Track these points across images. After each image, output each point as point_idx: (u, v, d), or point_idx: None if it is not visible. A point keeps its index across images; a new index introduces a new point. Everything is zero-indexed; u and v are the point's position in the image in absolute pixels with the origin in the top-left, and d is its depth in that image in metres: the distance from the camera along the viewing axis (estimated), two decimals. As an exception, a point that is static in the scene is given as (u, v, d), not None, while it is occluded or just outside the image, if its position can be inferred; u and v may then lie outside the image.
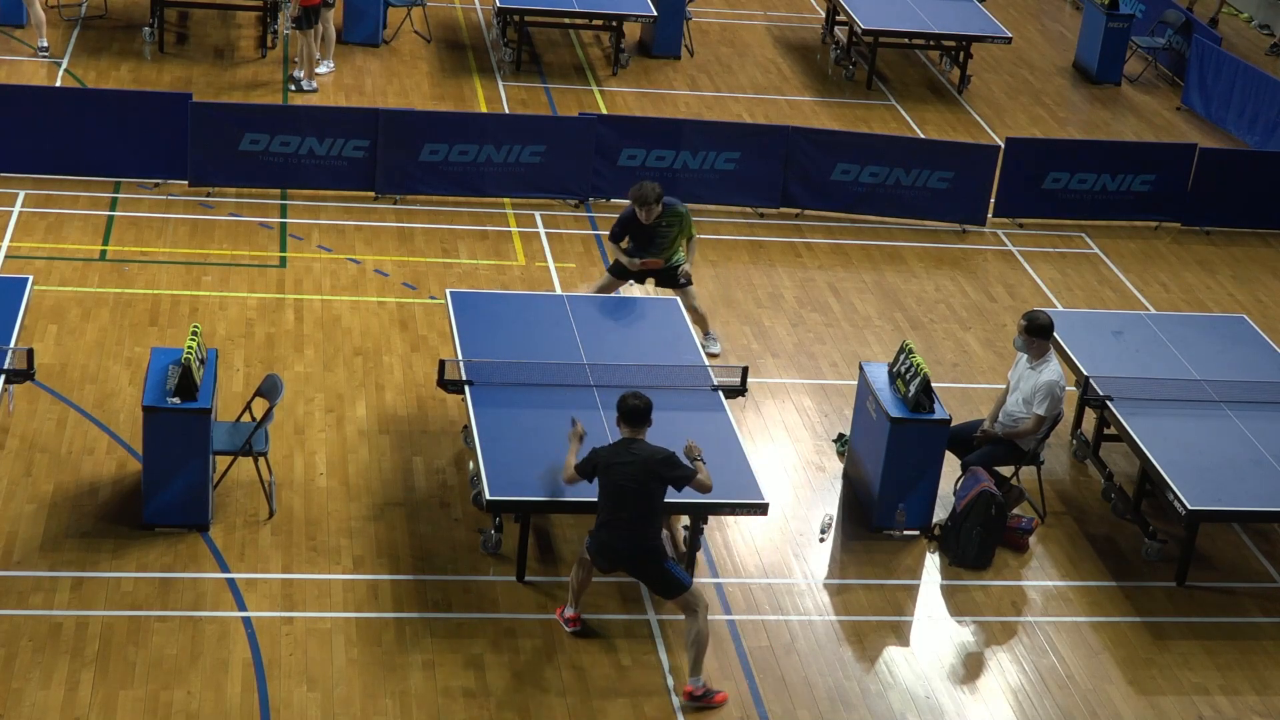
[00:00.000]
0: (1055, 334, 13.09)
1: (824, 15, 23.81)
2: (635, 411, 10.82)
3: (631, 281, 14.79)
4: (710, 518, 12.14)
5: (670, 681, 10.85)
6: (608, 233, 14.86)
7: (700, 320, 14.67)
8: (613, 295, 14.47)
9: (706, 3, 24.16)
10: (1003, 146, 18.19)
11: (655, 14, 21.30)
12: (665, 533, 12.27)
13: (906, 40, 22.40)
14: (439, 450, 13.07)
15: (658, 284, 14.85)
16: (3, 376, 11.95)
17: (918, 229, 17.90)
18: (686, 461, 10.84)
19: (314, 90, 19.63)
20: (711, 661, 11.09)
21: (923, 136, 20.10)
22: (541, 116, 18.84)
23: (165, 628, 10.82)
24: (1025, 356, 12.79)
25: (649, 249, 14.47)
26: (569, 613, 11.22)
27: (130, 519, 11.78)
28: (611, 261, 14.74)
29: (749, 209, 17.88)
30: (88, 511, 11.89)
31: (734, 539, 12.43)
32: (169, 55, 20.37)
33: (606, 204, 17.56)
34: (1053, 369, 12.65)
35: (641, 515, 10.62)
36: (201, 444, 11.51)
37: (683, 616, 10.78)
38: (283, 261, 15.81)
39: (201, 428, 11.47)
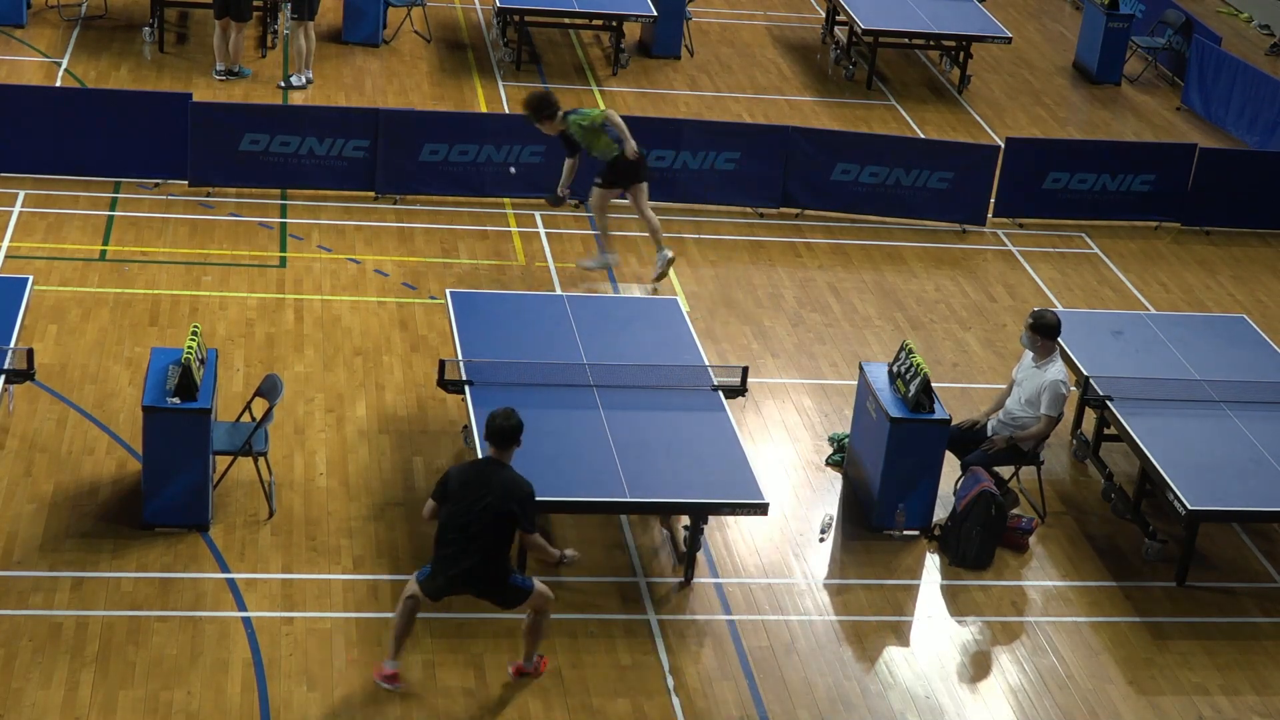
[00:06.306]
0: (1055, 334, 13.13)
1: (824, 15, 23.81)
2: (503, 432, 10.21)
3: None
4: (710, 518, 12.13)
5: (670, 681, 10.86)
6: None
7: (652, 232, 15.85)
8: (604, 296, 14.52)
9: (706, 3, 24.17)
10: (1003, 146, 18.19)
11: (655, 14, 21.30)
12: (665, 532, 12.28)
13: (906, 40, 22.40)
14: (439, 450, 13.06)
15: (625, 186, 15.74)
16: (3, 376, 11.96)
17: (918, 229, 17.90)
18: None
19: (304, 85, 19.64)
20: (711, 661, 11.10)
21: (923, 136, 20.10)
22: (541, 116, 18.83)
23: (165, 628, 10.82)
24: (1030, 355, 12.81)
25: (583, 155, 15.70)
26: (390, 669, 10.40)
27: (130, 519, 11.78)
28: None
29: (749, 209, 17.88)
30: (88, 511, 11.89)
31: (734, 539, 12.43)
32: (169, 55, 20.37)
33: (606, 204, 17.56)
34: (1057, 368, 12.66)
35: (498, 544, 10.11)
36: (201, 444, 11.51)
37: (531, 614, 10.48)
38: (283, 261, 15.81)
39: (201, 428, 11.47)
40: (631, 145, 15.41)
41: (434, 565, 10.25)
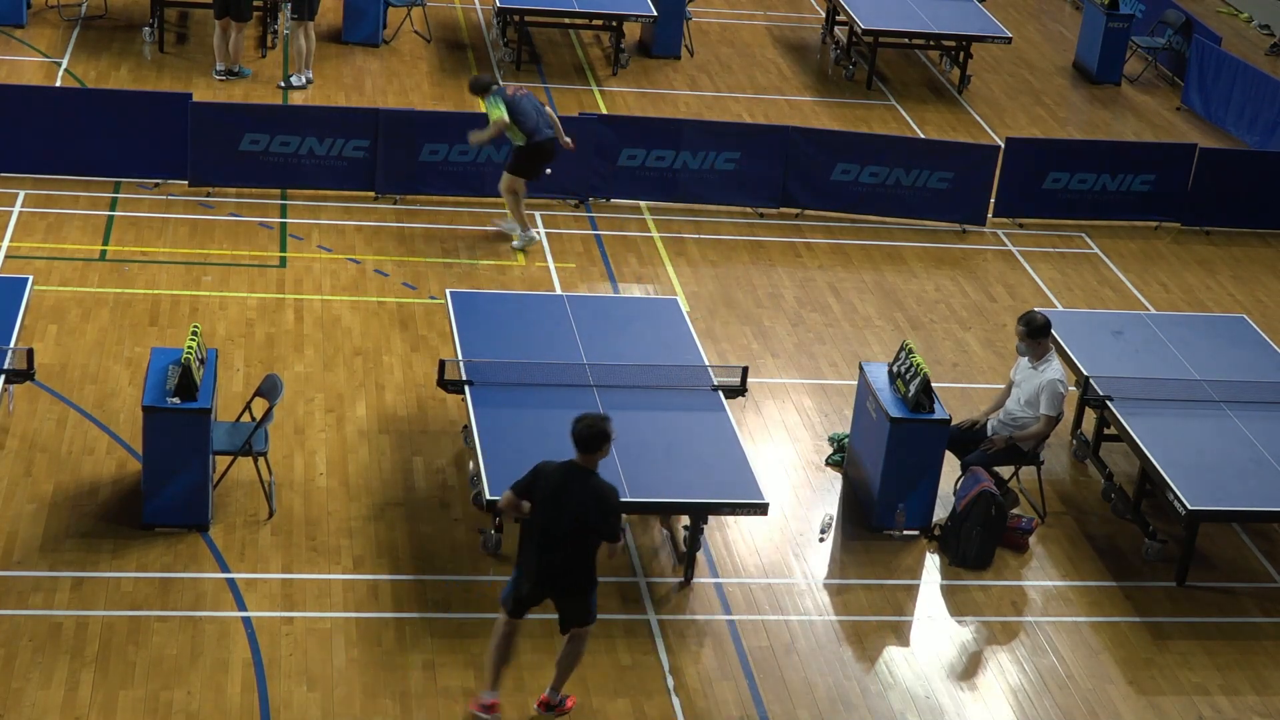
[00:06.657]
0: (1055, 334, 13.11)
1: (824, 15, 23.81)
2: (589, 437, 9.85)
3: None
4: (710, 518, 12.13)
5: (670, 681, 10.86)
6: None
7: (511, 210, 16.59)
8: (604, 296, 14.58)
9: (706, 3, 24.17)
10: (1003, 146, 18.19)
11: (655, 14, 21.29)
12: (665, 532, 12.28)
13: (906, 40, 22.40)
14: (439, 450, 13.07)
15: (534, 176, 16.51)
16: (3, 376, 11.96)
17: (918, 229, 17.90)
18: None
19: (304, 85, 19.64)
20: (712, 661, 11.10)
21: (923, 136, 20.10)
22: (541, 116, 18.84)
23: (165, 628, 10.83)
24: (1027, 357, 12.83)
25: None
26: (488, 699, 10.29)
27: (130, 519, 11.78)
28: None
29: (749, 209, 17.88)
30: (88, 511, 11.89)
31: (734, 539, 12.43)
32: (169, 55, 20.37)
33: (606, 204, 17.56)
34: (1055, 368, 12.67)
35: (582, 550, 9.97)
36: (201, 444, 11.51)
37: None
38: (283, 261, 15.81)
39: (201, 428, 11.47)
40: (477, 139, 16.20)
41: (517, 573, 10.17)
